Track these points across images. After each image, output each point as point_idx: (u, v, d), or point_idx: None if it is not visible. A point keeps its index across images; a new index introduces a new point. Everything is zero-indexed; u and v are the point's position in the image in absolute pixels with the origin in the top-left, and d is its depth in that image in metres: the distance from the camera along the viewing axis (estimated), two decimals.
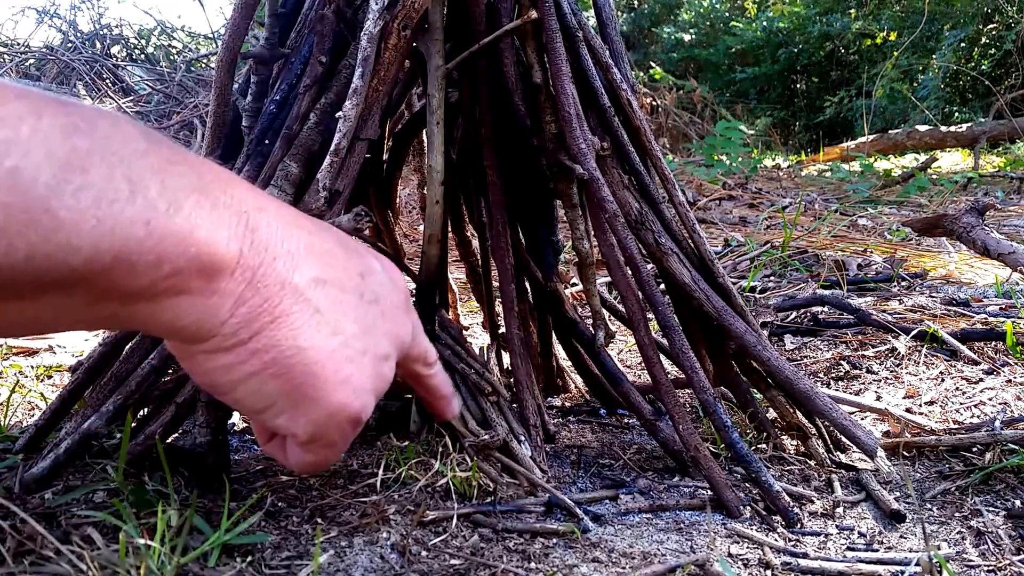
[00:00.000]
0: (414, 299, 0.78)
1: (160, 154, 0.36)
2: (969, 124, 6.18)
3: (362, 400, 0.46)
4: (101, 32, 5.00)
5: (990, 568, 0.63)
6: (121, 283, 0.34)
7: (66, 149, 0.32)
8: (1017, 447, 0.80)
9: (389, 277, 0.51)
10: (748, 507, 0.72)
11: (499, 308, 0.90)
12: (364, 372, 0.46)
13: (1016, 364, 1.11)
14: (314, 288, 0.44)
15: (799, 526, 0.70)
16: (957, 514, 0.72)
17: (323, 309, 0.44)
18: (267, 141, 0.75)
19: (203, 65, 4.92)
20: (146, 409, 0.76)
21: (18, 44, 4.86)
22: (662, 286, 0.84)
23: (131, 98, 4.24)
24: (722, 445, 0.80)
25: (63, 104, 0.33)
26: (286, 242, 0.42)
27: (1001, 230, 2.41)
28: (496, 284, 0.87)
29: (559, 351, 1.02)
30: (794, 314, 1.43)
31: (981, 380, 1.07)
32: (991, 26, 8.20)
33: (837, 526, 0.70)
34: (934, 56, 8.32)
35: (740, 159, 4.30)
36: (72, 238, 0.31)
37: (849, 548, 0.66)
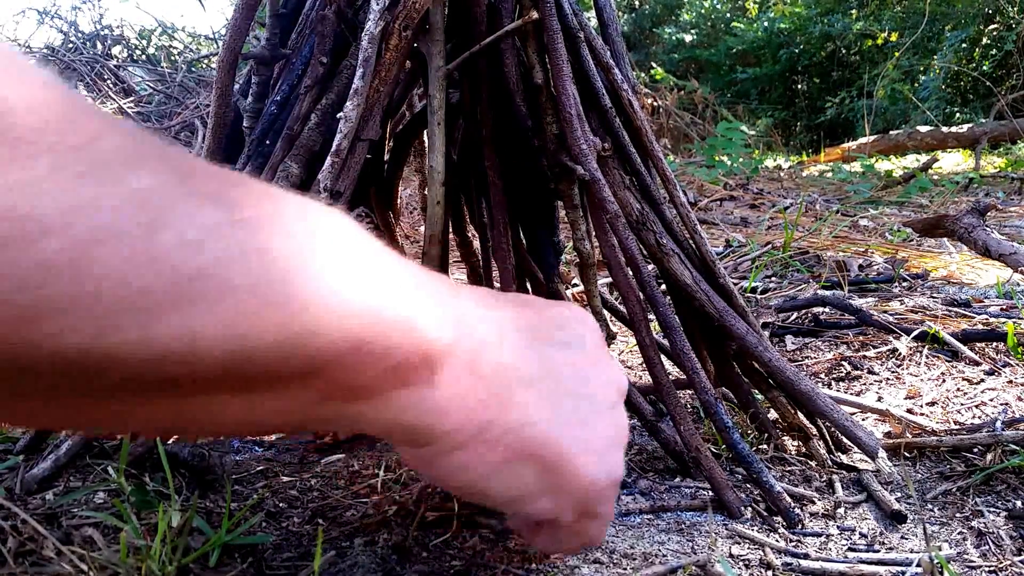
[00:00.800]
0: None
1: (378, 248, 0.36)
2: (970, 125, 6.18)
3: (610, 459, 0.44)
4: (102, 33, 5.00)
5: (991, 569, 0.63)
6: (351, 375, 0.33)
7: (304, 232, 0.31)
8: (1018, 448, 0.80)
9: (581, 322, 0.48)
10: (749, 508, 0.72)
11: None
12: (601, 429, 0.44)
13: (1017, 365, 1.11)
14: (526, 360, 0.42)
15: (800, 527, 0.70)
16: (958, 515, 0.72)
17: (539, 380, 0.42)
18: (268, 142, 0.75)
19: (204, 66, 4.92)
20: None
21: (19, 45, 4.86)
22: (663, 287, 0.84)
23: (132, 99, 4.24)
24: (723, 446, 0.80)
25: (294, 195, 0.33)
26: (486, 322, 0.41)
27: (1002, 231, 2.40)
28: (497, 285, 0.87)
29: None
30: (795, 315, 1.43)
31: (982, 381, 1.07)
32: (992, 27, 8.20)
33: (838, 527, 0.70)
34: (935, 57, 8.32)
35: (741, 160, 4.30)
36: (314, 322, 0.30)
37: (850, 549, 0.66)
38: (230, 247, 0.28)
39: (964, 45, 8.28)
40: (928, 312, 1.41)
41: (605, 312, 0.88)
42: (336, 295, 0.31)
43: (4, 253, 0.23)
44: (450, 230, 0.90)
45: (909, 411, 0.97)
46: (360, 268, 0.33)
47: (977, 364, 1.13)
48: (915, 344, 1.20)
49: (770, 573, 0.62)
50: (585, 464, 0.43)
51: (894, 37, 8.75)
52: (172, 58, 5.15)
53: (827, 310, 1.42)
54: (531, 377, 0.42)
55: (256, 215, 0.30)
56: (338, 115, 0.69)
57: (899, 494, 0.76)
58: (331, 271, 0.32)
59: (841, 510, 0.73)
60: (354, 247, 0.34)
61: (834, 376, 1.13)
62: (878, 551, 0.66)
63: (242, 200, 0.30)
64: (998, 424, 0.87)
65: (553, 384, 0.43)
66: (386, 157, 0.96)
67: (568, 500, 0.43)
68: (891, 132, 6.50)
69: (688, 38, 10.50)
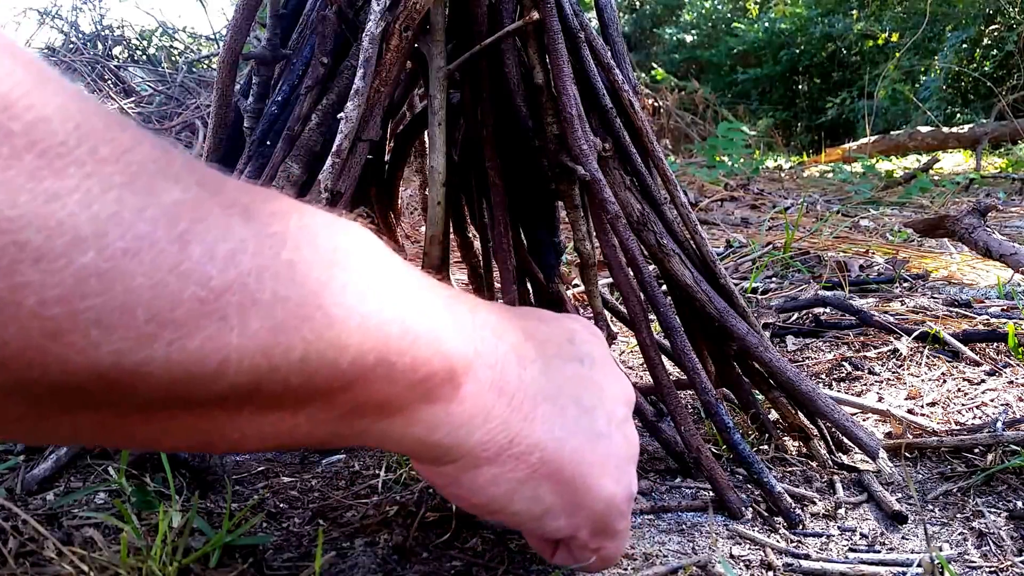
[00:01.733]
0: None
1: (401, 264, 0.36)
2: (971, 125, 6.17)
3: (627, 475, 0.44)
4: (103, 33, 5.01)
5: (992, 569, 0.63)
6: (378, 391, 0.33)
7: (331, 247, 0.31)
8: (1019, 448, 0.80)
9: (591, 334, 0.48)
10: (750, 508, 0.72)
11: None
12: (616, 445, 0.44)
13: (1018, 365, 1.11)
14: (545, 376, 0.42)
15: (801, 527, 0.70)
16: (959, 515, 0.72)
17: (557, 395, 0.42)
18: (268, 142, 0.75)
19: (205, 66, 4.92)
20: None
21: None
22: (664, 287, 0.84)
23: (133, 99, 4.24)
24: (724, 446, 0.80)
25: (322, 211, 0.33)
26: (506, 338, 0.41)
27: (1003, 231, 2.40)
28: (498, 285, 0.87)
29: None
30: (796, 315, 1.43)
31: (983, 381, 1.07)
32: (993, 27, 8.20)
33: (839, 527, 0.70)
34: (936, 57, 8.32)
35: (742, 160, 4.30)
36: (342, 336, 0.30)
37: (851, 549, 0.66)
38: (259, 262, 0.28)
39: (965, 45, 8.28)
40: (929, 312, 1.41)
41: (606, 312, 0.88)
42: (363, 310, 0.31)
43: (37, 265, 0.22)
44: (451, 230, 0.90)
45: (910, 411, 0.97)
46: (386, 283, 0.33)
47: (978, 365, 1.13)
48: (916, 344, 1.20)
49: (771, 574, 0.62)
50: (603, 481, 0.42)
51: (895, 38, 8.75)
52: (173, 59, 5.16)
53: (828, 310, 1.42)
54: (550, 393, 0.41)
55: (284, 230, 0.30)
56: (339, 115, 0.69)
57: (900, 495, 0.76)
58: (358, 286, 0.32)
59: (842, 511, 0.73)
60: (379, 262, 0.34)
61: (835, 376, 1.13)
62: (879, 552, 0.66)
63: (270, 215, 0.30)
64: (999, 425, 0.87)
65: (570, 400, 0.42)
66: (387, 157, 0.96)
67: (586, 518, 0.43)
68: (892, 132, 6.50)
69: (689, 38, 10.50)
